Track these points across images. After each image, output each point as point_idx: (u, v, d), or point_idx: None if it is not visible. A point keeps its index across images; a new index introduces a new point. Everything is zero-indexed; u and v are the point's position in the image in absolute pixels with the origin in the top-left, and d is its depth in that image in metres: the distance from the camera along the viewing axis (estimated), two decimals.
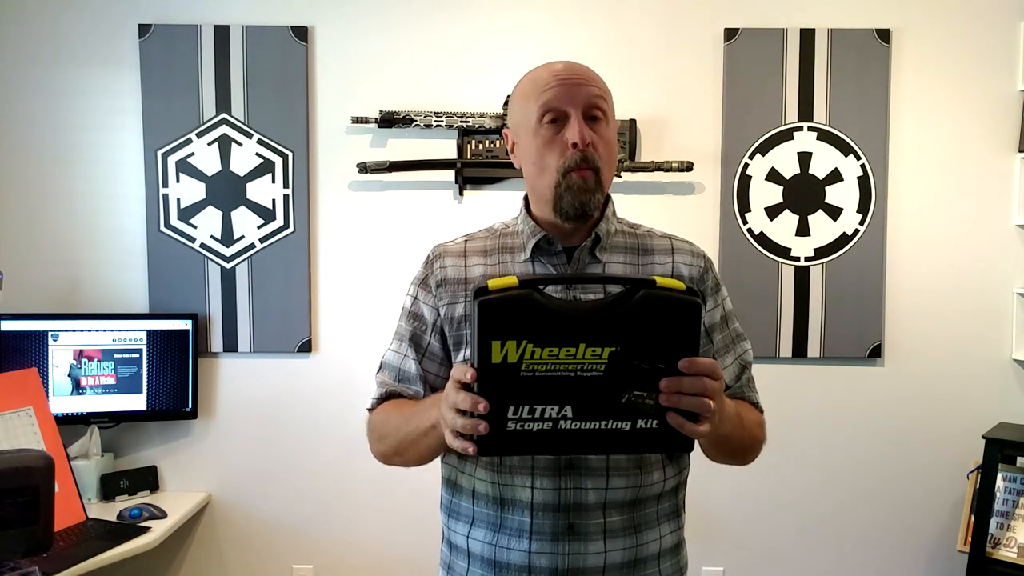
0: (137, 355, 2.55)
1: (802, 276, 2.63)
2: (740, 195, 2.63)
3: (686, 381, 0.96)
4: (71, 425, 2.48)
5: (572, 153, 1.15)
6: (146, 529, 2.27)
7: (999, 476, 2.46)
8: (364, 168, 2.56)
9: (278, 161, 2.64)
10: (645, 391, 0.98)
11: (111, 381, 2.53)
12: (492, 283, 0.98)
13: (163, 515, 2.38)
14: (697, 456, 2.51)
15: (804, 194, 2.62)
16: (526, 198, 1.30)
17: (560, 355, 0.96)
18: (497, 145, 2.60)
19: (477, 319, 0.96)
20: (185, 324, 2.59)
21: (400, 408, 1.25)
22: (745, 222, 2.63)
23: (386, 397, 1.30)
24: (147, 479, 2.61)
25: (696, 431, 0.98)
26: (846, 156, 2.61)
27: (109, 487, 2.53)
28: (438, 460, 1.28)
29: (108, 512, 2.39)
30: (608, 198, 1.27)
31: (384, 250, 2.65)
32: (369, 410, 1.31)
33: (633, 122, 2.60)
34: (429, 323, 1.28)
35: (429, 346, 1.28)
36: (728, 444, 1.20)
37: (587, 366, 0.97)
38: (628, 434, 0.99)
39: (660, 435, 0.99)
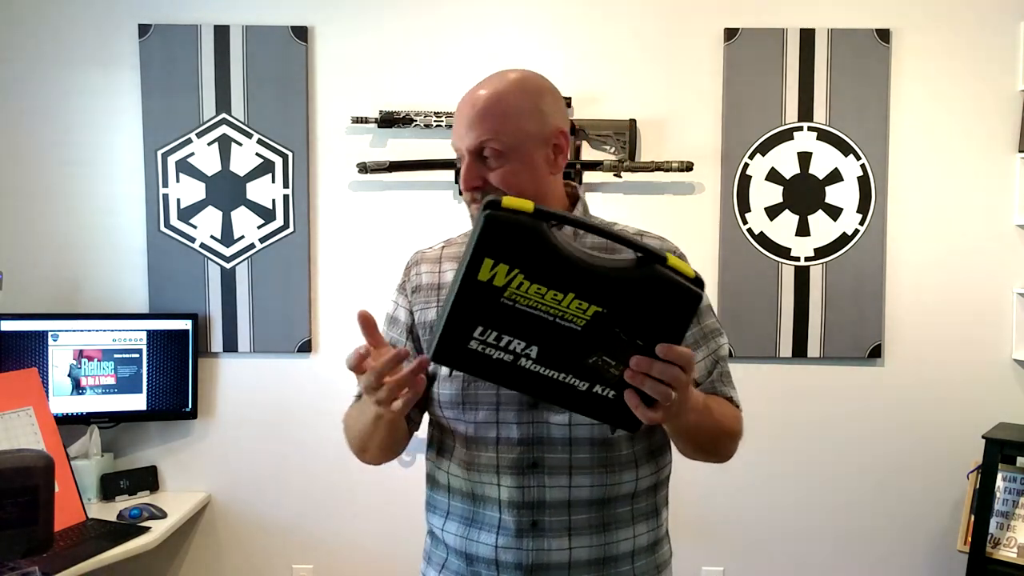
0: (137, 355, 2.55)
1: (802, 276, 2.63)
2: (740, 195, 2.63)
3: (657, 365, 0.94)
4: (71, 425, 2.48)
5: (466, 193, 1.20)
6: (146, 529, 2.27)
7: (999, 476, 2.46)
8: (364, 168, 2.56)
9: (278, 161, 2.64)
10: (614, 360, 0.96)
11: (111, 381, 2.53)
12: (507, 200, 0.93)
13: (163, 515, 2.38)
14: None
15: (804, 194, 2.62)
16: None
17: (546, 296, 0.94)
18: None
19: (479, 230, 0.92)
20: (185, 324, 2.59)
21: (362, 405, 1.27)
22: (745, 222, 2.63)
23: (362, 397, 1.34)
24: (147, 479, 2.61)
25: (648, 416, 0.97)
26: (846, 156, 2.61)
27: (109, 487, 2.53)
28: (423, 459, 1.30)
29: (108, 512, 2.39)
30: (577, 200, 1.29)
31: (384, 250, 2.65)
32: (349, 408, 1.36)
33: (633, 122, 2.60)
34: (404, 327, 1.31)
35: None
36: (697, 437, 1.19)
37: (568, 316, 0.94)
38: (582, 394, 0.98)
39: (611, 407, 0.98)
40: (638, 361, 0.94)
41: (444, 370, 1.24)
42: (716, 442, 1.23)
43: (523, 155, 1.17)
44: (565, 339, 0.95)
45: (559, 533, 1.18)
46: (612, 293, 0.94)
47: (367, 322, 1.07)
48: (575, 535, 1.19)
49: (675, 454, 1.33)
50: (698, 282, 0.98)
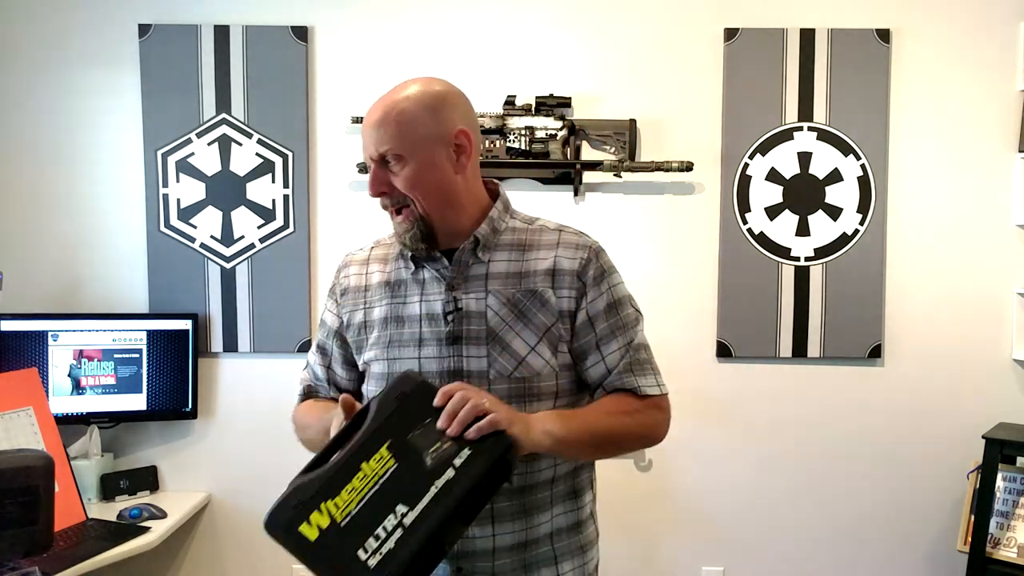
0: (137, 355, 2.55)
1: (802, 276, 2.63)
2: (740, 195, 2.63)
3: (449, 406, 1.09)
4: (71, 425, 2.48)
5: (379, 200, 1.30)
6: (146, 529, 2.27)
7: (999, 476, 2.46)
8: (364, 168, 2.56)
9: (278, 161, 2.64)
10: (438, 442, 1.08)
11: (111, 381, 2.53)
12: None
13: (163, 515, 2.38)
14: (698, 458, 2.51)
15: (804, 194, 2.62)
16: None
17: (356, 485, 1.07)
18: (497, 145, 2.60)
19: (282, 526, 1.11)
20: (185, 324, 2.59)
21: (313, 408, 1.40)
22: (745, 222, 2.63)
23: (306, 394, 1.47)
24: (147, 479, 2.61)
25: (487, 424, 1.07)
26: (846, 156, 2.61)
27: (109, 487, 2.53)
28: None
29: (108, 512, 2.39)
30: (497, 197, 1.35)
31: None
32: (297, 404, 1.48)
33: (633, 122, 2.60)
34: (332, 330, 1.41)
35: (332, 352, 1.42)
36: (578, 439, 1.21)
37: (383, 471, 1.08)
38: (458, 475, 1.06)
39: (479, 454, 1.08)
40: (442, 420, 1.09)
41: (373, 368, 1.33)
42: (614, 436, 1.28)
43: (422, 157, 1.24)
44: (401, 477, 1.08)
45: (483, 522, 1.25)
46: (378, 431, 1.11)
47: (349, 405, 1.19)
48: (498, 523, 1.26)
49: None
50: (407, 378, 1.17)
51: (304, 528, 1.08)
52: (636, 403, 1.29)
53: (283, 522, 1.10)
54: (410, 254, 1.33)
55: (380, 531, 1.04)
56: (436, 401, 1.10)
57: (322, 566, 1.06)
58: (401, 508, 1.05)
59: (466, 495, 1.06)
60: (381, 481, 1.07)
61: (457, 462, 1.06)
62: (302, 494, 1.09)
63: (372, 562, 1.02)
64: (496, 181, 1.40)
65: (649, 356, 1.34)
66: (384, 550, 1.03)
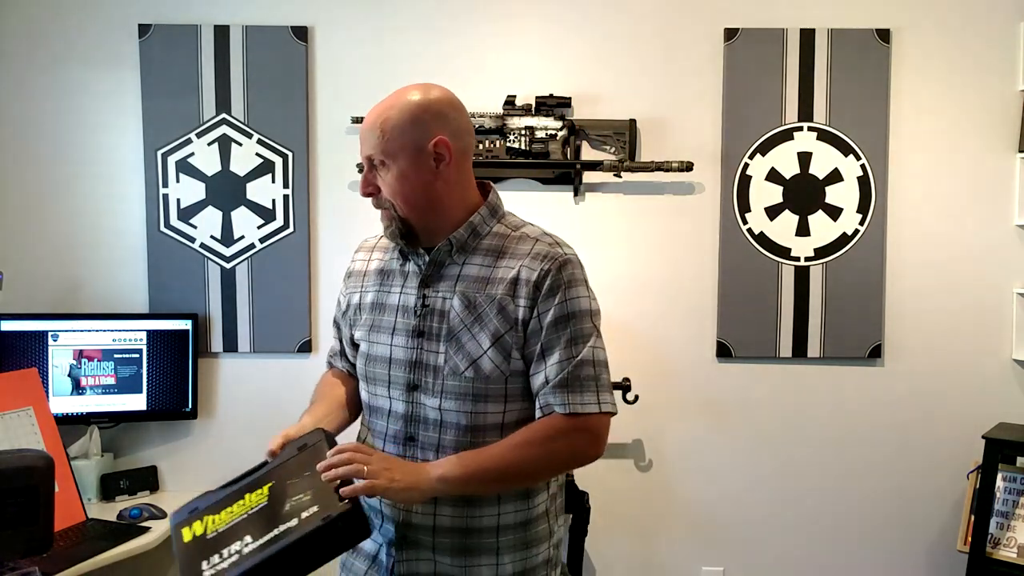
0: (137, 355, 2.55)
1: (802, 276, 2.63)
2: (740, 195, 2.63)
3: (334, 459, 1.22)
4: (71, 425, 2.48)
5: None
6: (146, 529, 2.27)
7: (999, 476, 2.46)
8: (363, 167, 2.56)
9: (278, 161, 2.64)
10: (302, 493, 1.23)
11: (111, 381, 2.53)
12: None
13: (163, 515, 2.38)
14: (698, 458, 2.51)
15: (804, 194, 2.62)
16: None
17: (234, 509, 1.27)
18: (497, 145, 2.60)
19: (172, 526, 1.32)
20: (185, 324, 2.59)
21: (322, 387, 1.58)
22: (745, 222, 2.63)
23: (330, 363, 1.65)
24: (147, 479, 2.61)
25: (362, 488, 1.20)
26: (846, 156, 2.61)
27: (109, 487, 2.53)
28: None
29: (108, 512, 2.39)
30: (483, 203, 1.41)
31: None
32: (325, 372, 1.65)
33: (633, 122, 2.60)
34: (341, 311, 1.57)
35: (342, 330, 1.58)
36: (479, 478, 1.29)
37: (255, 504, 1.26)
38: (297, 526, 1.19)
39: (321, 512, 1.19)
40: (321, 467, 1.22)
41: (361, 347, 1.46)
42: (510, 479, 1.33)
43: (403, 164, 1.32)
44: (262, 514, 1.24)
45: (426, 502, 1.33)
46: (270, 474, 1.29)
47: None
48: (440, 504, 1.34)
49: None
50: (317, 430, 1.34)
51: (185, 530, 1.28)
52: (558, 427, 1.32)
53: (177, 521, 1.31)
54: (399, 248, 1.43)
55: (225, 552, 1.21)
56: (319, 467, 1.23)
57: (181, 565, 1.24)
58: (247, 539, 1.21)
59: (294, 544, 1.17)
60: (250, 512, 1.25)
61: (303, 515, 1.19)
62: (200, 503, 1.31)
63: (207, 574, 1.19)
64: (492, 184, 1.45)
65: (597, 373, 1.34)
66: (219, 568, 1.19)
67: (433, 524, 1.35)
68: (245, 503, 1.26)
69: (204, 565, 1.20)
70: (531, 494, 1.39)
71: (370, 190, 1.37)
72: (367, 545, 1.42)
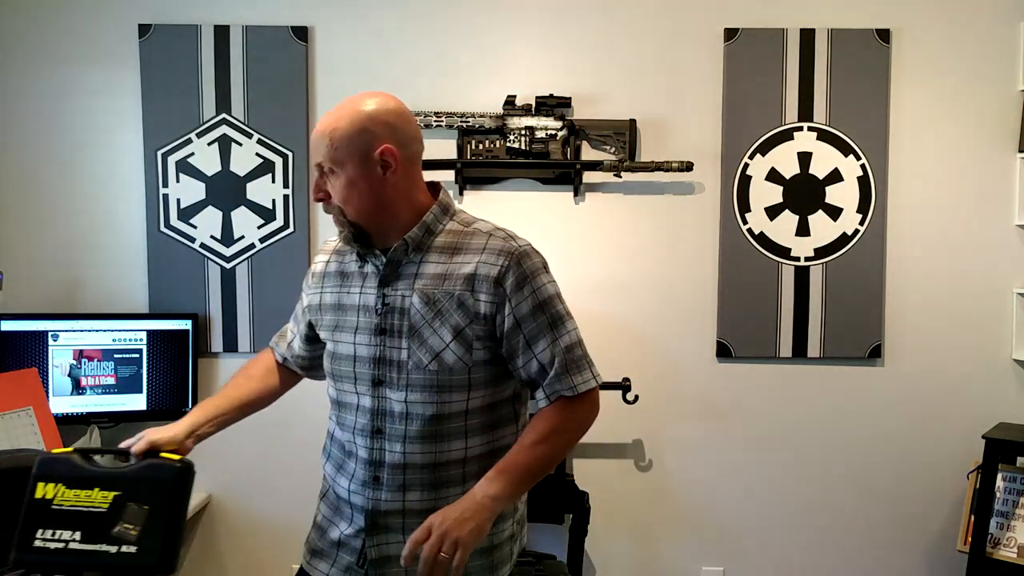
0: (137, 355, 2.55)
1: (802, 276, 2.63)
2: (740, 195, 2.63)
3: (423, 563, 1.26)
4: (71, 425, 2.48)
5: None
6: None
7: (999, 476, 2.46)
8: None
9: (278, 161, 2.64)
10: (133, 524, 1.33)
11: (111, 381, 2.53)
12: (55, 450, 1.48)
13: None
14: (698, 458, 2.50)
15: (804, 194, 2.62)
16: None
17: (81, 495, 1.34)
18: (497, 145, 2.60)
19: (34, 471, 1.37)
20: (185, 324, 2.59)
21: (238, 378, 1.67)
22: (745, 222, 2.63)
23: (275, 343, 1.74)
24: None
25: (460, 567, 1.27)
26: (846, 156, 2.61)
27: None
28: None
29: None
30: (435, 203, 1.46)
31: None
32: (263, 352, 1.77)
33: (633, 122, 2.60)
34: (301, 308, 1.64)
35: (299, 323, 1.65)
36: (520, 483, 1.38)
37: (97, 503, 1.34)
38: (113, 555, 1.31)
39: (134, 559, 1.31)
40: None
41: (327, 347, 1.52)
42: (542, 471, 1.41)
43: (350, 172, 1.38)
44: (97, 520, 1.33)
45: (395, 489, 1.42)
46: (124, 480, 1.36)
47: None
48: (408, 491, 1.42)
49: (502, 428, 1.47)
50: (184, 463, 1.40)
51: (40, 485, 1.36)
52: (565, 412, 1.41)
53: (39, 472, 1.37)
54: (356, 250, 1.48)
55: (58, 533, 1.32)
56: (405, 551, 1.29)
57: (24, 517, 1.34)
58: (77, 535, 1.33)
59: (100, 570, 1.32)
60: (91, 510, 1.34)
61: (122, 548, 1.31)
62: (67, 467, 1.38)
63: (35, 544, 1.32)
64: (442, 184, 1.51)
65: (583, 351, 1.44)
66: (47, 546, 1.32)
67: (403, 508, 1.42)
68: (93, 496, 1.35)
69: (38, 533, 1.33)
70: (496, 520, 1.43)
71: (321, 196, 1.43)
72: (334, 533, 1.50)
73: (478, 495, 1.32)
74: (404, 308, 1.41)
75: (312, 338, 1.61)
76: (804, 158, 2.62)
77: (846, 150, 2.61)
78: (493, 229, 1.46)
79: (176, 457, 1.41)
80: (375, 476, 1.43)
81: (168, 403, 2.58)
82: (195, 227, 2.64)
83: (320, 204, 1.44)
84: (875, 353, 2.63)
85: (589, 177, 2.62)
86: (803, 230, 2.63)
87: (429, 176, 2.63)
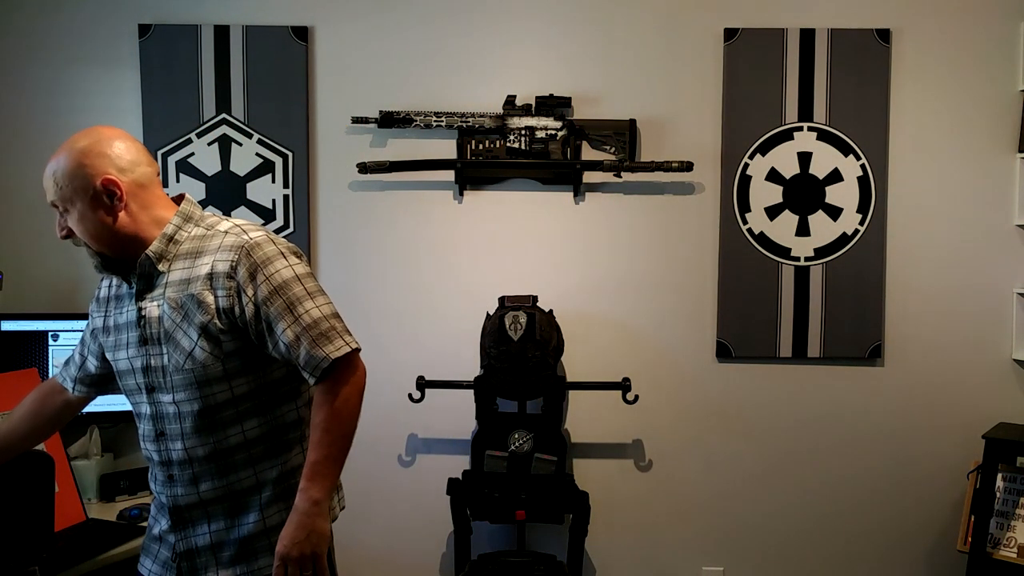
0: None
1: (802, 276, 2.63)
2: (740, 195, 2.63)
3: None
4: (71, 425, 2.48)
5: None
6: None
7: (999, 476, 2.46)
8: (364, 168, 2.56)
9: (278, 161, 2.64)
10: None
11: None
12: None
13: None
14: (698, 458, 2.50)
15: (804, 194, 2.62)
16: None
17: None
18: (497, 145, 2.60)
19: None
20: None
21: (18, 407, 1.78)
22: (745, 222, 2.63)
23: (62, 368, 1.78)
24: (147, 479, 2.60)
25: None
26: (846, 156, 2.61)
27: (109, 487, 2.53)
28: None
29: (108, 512, 2.39)
30: (176, 215, 1.52)
31: (384, 250, 2.65)
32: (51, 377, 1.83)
33: (633, 122, 2.60)
34: (89, 329, 1.69)
35: (87, 345, 1.71)
36: (332, 472, 1.47)
37: None
38: None
39: None
40: None
41: (113, 364, 1.59)
42: (347, 448, 1.49)
43: (79, 208, 1.45)
44: None
45: (187, 483, 1.51)
46: None
47: None
48: (200, 482, 1.51)
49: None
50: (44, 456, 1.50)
51: None
52: (333, 389, 1.46)
53: None
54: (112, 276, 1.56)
55: None
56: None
57: None
58: None
59: None
60: None
61: None
62: None
63: None
64: (187, 195, 1.57)
65: (331, 324, 1.48)
66: None
67: (199, 500, 1.51)
68: None
69: None
70: (281, 451, 1.54)
71: (64, 233, 1.49)
72: (156, 530, 1.60)
73: (303, 506, 1.42)
74: (158, 316, 1.49)
75: (103, 355, 1.68)
76: (804, 158, 2.62)
77: (846, 150, 2.61)
78: (231, 227, 1.52)
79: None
80: (169, 475, 1.53)
81: None
82: None
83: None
84: (875, 353, 2.63)
85: (589, 177, 2.62)
86: (803, 230, 2.63)
87: (429, 176, 2.65)
